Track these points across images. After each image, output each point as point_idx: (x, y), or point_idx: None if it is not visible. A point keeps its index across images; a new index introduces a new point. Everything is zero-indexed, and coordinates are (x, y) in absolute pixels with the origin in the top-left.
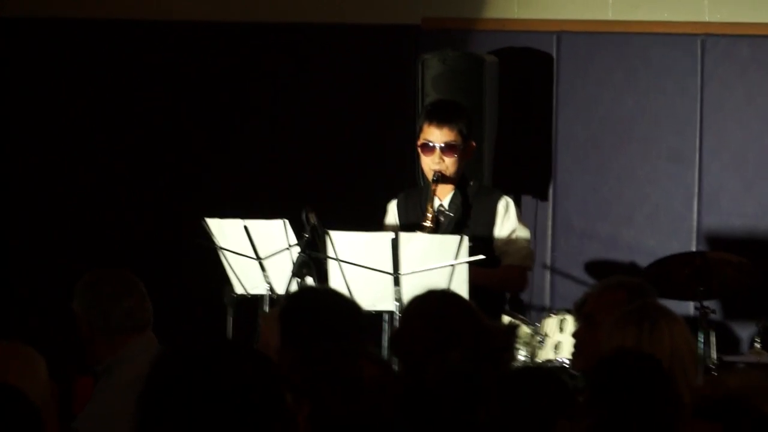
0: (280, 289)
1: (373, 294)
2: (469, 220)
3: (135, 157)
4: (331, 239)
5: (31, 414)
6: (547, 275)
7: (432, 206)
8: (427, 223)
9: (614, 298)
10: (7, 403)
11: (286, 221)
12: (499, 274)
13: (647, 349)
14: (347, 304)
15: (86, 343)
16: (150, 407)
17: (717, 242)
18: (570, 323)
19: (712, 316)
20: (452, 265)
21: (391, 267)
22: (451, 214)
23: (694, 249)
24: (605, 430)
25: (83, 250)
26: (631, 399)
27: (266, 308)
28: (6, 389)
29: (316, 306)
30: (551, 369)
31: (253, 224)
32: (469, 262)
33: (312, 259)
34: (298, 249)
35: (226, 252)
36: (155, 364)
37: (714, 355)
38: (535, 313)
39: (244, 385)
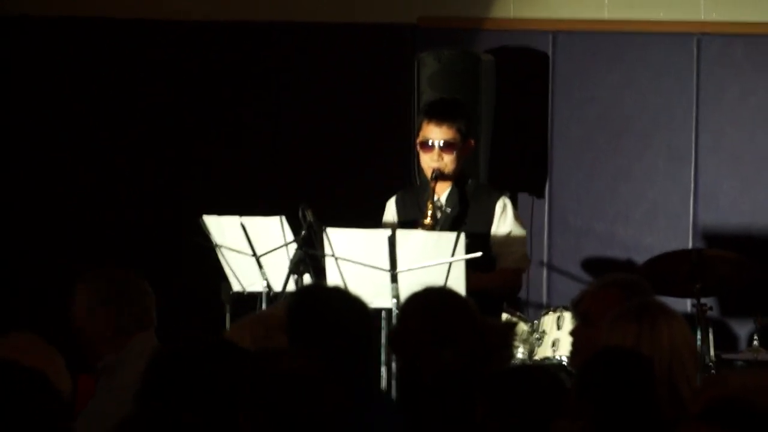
0: (278, 286)
1: (371, 291)
2: (466, 217)
3: (134, 155)
4: (327, 236)
5: (57, 401)
6: (544, 272)
7: (432, 202)
8: (427, 220)
9: (610, 296)
10: (36, 390)
11: (283, 218)
12: (494, 279)
13: (647, 347)
14: (355, 302)
15: (88, 341)
16: (147, 403)
17: (714, 239)
18: (567, 320)
19: (710, 313)
20: (449, 262)
21: (388, 264)
22: (449, 210)
23: (690, 246)
24: (596, 429)
25: (81, 248)
26: (617, 397)
27: (264, 305)
28: (35, 375)
29: (325, 304)
30: (547, 366)
31: (250, 221)
32: (466, 263)
33: (309, 256)
34: (295, 246)
35: (223, 249)
36: (150, 362)
37: (712, 352)
38: (533, 310)
39: (237, 383)
